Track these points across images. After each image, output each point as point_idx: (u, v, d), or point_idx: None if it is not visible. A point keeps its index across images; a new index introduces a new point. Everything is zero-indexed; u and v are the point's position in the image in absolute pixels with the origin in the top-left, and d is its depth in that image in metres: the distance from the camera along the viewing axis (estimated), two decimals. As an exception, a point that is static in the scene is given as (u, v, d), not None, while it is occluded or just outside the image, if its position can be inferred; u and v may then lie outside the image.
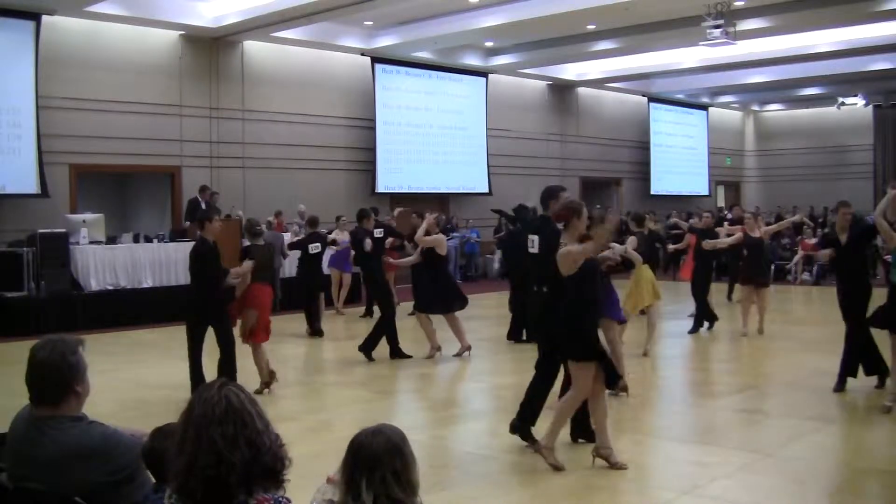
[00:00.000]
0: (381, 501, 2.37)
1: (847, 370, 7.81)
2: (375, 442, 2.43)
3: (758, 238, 11.58)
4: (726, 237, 12.35)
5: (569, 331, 5.56)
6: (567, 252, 5.49)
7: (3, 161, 13.76)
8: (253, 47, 17.22)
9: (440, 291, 9.78)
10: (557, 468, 5.53)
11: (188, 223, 14.76)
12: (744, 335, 11.32)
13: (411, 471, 2.43)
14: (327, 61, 18.33)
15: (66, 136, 14.72)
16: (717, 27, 14.41)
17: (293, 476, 2.38)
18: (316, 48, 17.89)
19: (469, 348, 10.01)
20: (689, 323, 12.09)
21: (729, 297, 15.11)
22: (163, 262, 13.77)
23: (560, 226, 5.76)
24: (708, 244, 11.61)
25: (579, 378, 5.55)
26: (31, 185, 14.08)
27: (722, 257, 14.31)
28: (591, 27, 17.64)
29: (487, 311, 14.03)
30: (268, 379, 8.10)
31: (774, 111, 30.61)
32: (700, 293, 11.93)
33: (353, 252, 11.56)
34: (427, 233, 9.90)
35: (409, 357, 9.88)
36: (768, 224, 13.59)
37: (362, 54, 18.59)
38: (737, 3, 14.98)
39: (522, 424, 6.09)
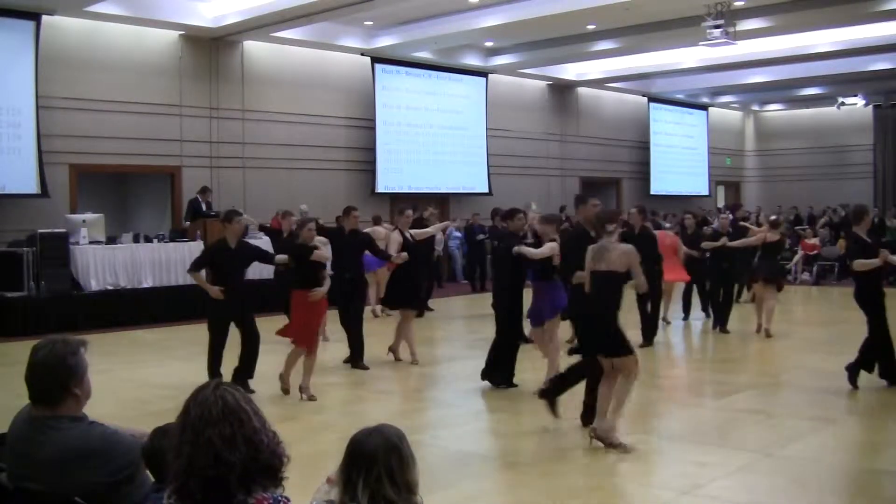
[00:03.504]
0: (377, 501, 2.35)
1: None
2: (372, 440, 2.41)
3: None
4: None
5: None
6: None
7: (3, 161, 13.74)
8: (253, 47, 17.21)
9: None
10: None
11: (188, 223, 14.76)
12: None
13: (407, 470, 2.40)
14: (327, 61, 18.31)
15: (66, 136, 14.70)
16: (717, 27, 14.40)
17: (293, 475, 2.37)
18: (316, 48, 17.88)
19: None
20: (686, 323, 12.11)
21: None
22: (163, 262, 13.76)
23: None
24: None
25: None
26: (31, 185, 14.06)
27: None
28: (591, 27, 17.63)
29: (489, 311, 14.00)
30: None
31: (774, 111, 30.57)
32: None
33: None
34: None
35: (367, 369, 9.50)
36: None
37: (362, 54, 18.58)
38: (737, 3, 14.97)
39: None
